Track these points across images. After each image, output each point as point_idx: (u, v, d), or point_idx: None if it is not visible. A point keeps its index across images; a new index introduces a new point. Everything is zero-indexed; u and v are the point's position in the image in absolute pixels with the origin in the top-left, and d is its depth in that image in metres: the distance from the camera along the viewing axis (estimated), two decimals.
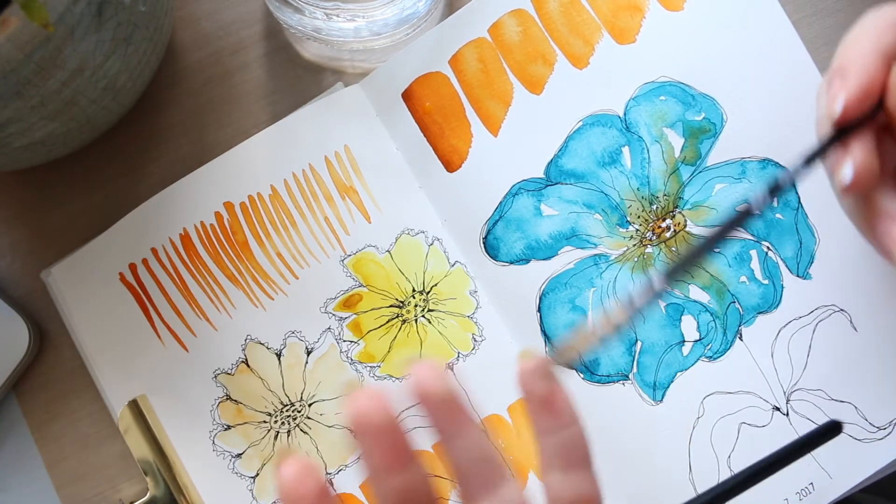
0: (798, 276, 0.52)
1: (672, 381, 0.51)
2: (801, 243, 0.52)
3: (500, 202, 0.52)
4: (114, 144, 0.54)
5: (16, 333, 0.52)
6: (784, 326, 0.52)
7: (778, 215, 0.52)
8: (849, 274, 0.52)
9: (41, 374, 0.54)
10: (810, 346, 0.51)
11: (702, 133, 0.51)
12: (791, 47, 0.51)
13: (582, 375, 0.51)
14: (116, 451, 0.53)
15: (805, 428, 0.51)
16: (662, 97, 0.52)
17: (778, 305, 0.52)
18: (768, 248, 0.52)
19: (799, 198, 0.52)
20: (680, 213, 0.52)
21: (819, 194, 0.52)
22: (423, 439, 0.51)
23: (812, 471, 0.51)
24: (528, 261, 0.52)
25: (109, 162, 0.54)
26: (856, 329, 0.52)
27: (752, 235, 0.52)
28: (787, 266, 0.52)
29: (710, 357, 0.51)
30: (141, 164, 0.54)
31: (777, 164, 0.51)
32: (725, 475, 0.51)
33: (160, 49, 0.49)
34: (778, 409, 0.51)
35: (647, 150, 0.51)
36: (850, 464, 0.51)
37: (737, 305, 0.52)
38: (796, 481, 0.51)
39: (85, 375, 0.53)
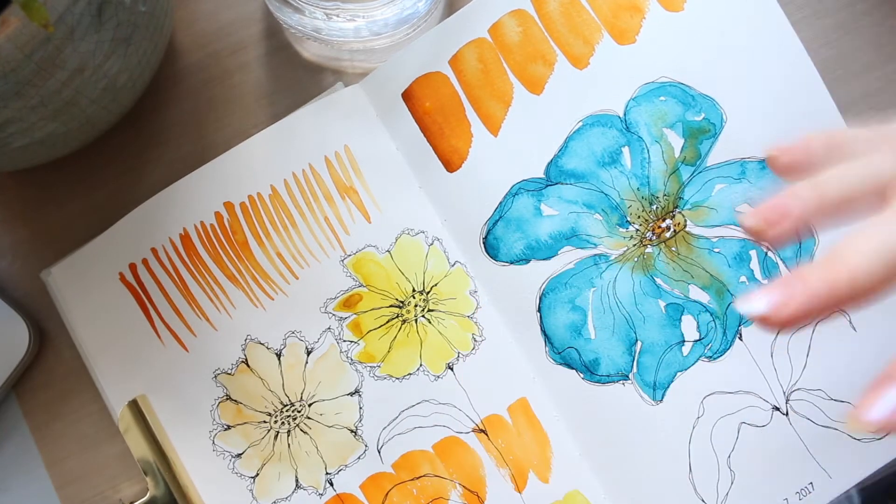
0: None
1: (672, 381, 0.51)
2: (800, 244, 0.52)
3: (501, 202, 0.52)
4: (114, 144, 0.54)
5: (16, 333, 0.52)
6: None
7: None
8: None
9: (41, 374, 0.54)
10: (809, 347, 0.52)
11: (701, 133, 0.52)
12: (790, 48, 0.51)
13: (582, 375, 0.51)
14: (116, 451, 0.53)
15: (804, 428, 0.51)
16: (662, 97, 0.52)
17: None
18: (768, 247, 0.52)
19: None
20: (680, 213, 0.52)
21: None
22: (423, 438, 0.51)
23: (812, 470, 0.51)
24: (528, 261, 0.52)
25: (109, 162, 0.54)
26: (855, 329, 0.52)
27: None
28: (786, 266, 0.52)
29: (710, 357, 0.51)
30: (141, 164, 0.54)
31: None
32: (725, 475, 0.51)
33: (160, 49, 0.49)
34: (778, 408, 0.51)
35: (647, 151, 0.51)
36: (849, 463, 0.51)
37: None
38: (796, 481, 0.51)
39: (85, 375, 0.53)
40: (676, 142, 0.51)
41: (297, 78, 0.55)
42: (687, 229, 0.52)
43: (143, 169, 0.54)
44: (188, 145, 0.54)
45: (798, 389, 0.51)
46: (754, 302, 0.34)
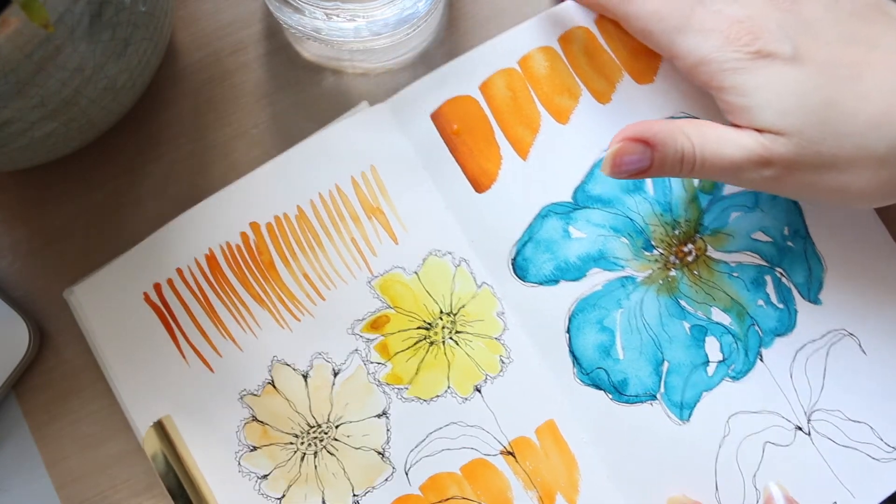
0: (809, 300, 0.53)
1: (698, 401, 0.52)
2: (810, 270, 0.53)
3: (530, 224, 0.52)
4: (114, 144, 0.54)
5: (16, 333, 0.51)
6: (800, 349, 0.53)
7: (789, 243, 0.53)
8: (856, 301, 0.53)
9: (41, 374, 0.53)
10: (825, 369, 0.53)
11: None
12: None
13: (610, 396, 0.52)
14: (116, 451, 0.52)
15: (827, 448, 0.52)
16: None
17: (793, 328, 0.53)
18: (781, 273, 0.53)
19: (806, 228, 0.53)
20: (700, 238, 0.53)
21: (824, 224, 0.54)
22: (451, 461, 0.51)
23: (835, 489, 0.52)
24: (557, 282, 0.52)
25: (109, 162, 0.54)
26: (865, 353, 0.53)
27: (766, 261, 0.53)
28: (798, 291, 0.53)
29: (734, 377, 0.52)
30: (141, 164, 0.54)
31: None
32: (751, 494, 0.51)
33: (160, 49, 0.49)
34: (800, 428, 0.52)
35: (669, 178, 0.53)
36: (871, 482, 0.52)
37: (756, 328, 0.53)
38: (820, 500, 0.52)
39: (85, 375, 0.53)
40: None
41: (297, 78, 0.55)
42: (708, 253, 0.53)
43: (143, 169, 0.54)
44: (188, 145, 0.54)
45: (818, 410, 0.52)
46: None
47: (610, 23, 0.54)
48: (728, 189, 0.53)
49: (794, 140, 0.45)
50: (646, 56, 0.54)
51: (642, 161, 0.46)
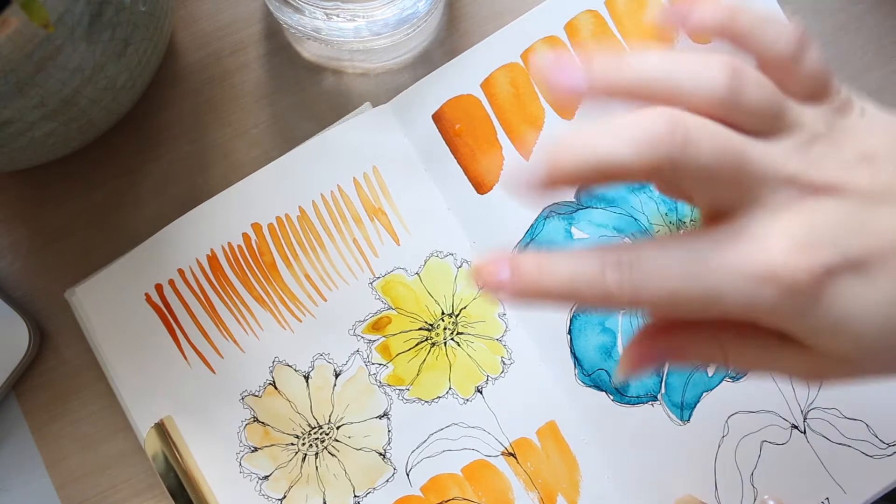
0: None
1: (698, 402, 0.52)
2: None
3: (532, 225, 0.52)
4: (114, 144, 0.53)
5: (16, 333, 0.51)
6: None
7: None
8: None
9: (41, 374, 0.53)
10: None
11: None
12: None
13: (612, 397, 0.52)
14: (116, 451, 0.53)
15: (821, 445, 0.52)
16: None
17: None
18: None
19: None
20: None
21: None
22: (452, 462, 0.52)
23: (827, 486, 0.52)
24: None
25: (109, 162, 0.54)
26: None
27: None
28: None
29: (733, 378, 0.53)
30: (141, 164, 0.54)
31: None
32: (749, 492, 0.52)
33: (160, 49, 0.49)
34: (796, 426, 0.53)
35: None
36: (863, 479, 0.52)
37: None
38: (813, 496, 0.52)
39: (85, 375, 0.53)
40: None
41: (297, 78, 0.55)
42: None
43: (142, 169, 0.54)
44: (188, 145, 0.54)
45: (814, 408, 0.53)
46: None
47: (622, 3, 0.53)
48: None
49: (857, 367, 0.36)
50: (657, 40, 0.53)
51: (660, 367, 0.39)
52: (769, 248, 0.32)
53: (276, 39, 0.55)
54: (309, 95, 0.54)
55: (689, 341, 0.37)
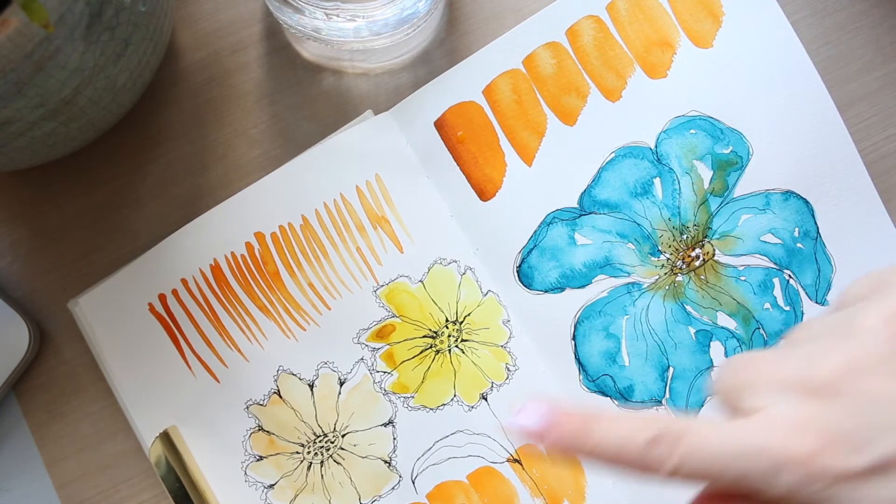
0: (817, 302, 0.53)
1: (702, 406, 0.52)
2: (819, 271, 0.53)
3: (535, 231, 0.52)
4: (114, 144, 0.54)
5: (16, 333, 0.51)
6: None
7: (799, 244, 0.53)
8: None
9: (41, 374, 0.53)
10: None
11: (729, 166, 0.53)
12: (811, 86, 0.53)
13: (616, 402, 0.52)
14: (116, 451, 0.53)
15: None
16: (692, 130, 0.52)
17: None
18: (790, 276, 0.53)
19: (818, 228, 0.53)
20: (709, 242, 0.53)
21: (836, 226, 0.53)
22: (458, 469, 0.51)
23: None
24: (562, 289, 0.52)
25: (109, 162, 0.54)
26: None
27: (776, 264, 0.53)
28: (806, 293, 0.53)
29: None
30: (141, 164, 0.54)
31: (798, 196, 0.53)
32: None
33: (160, 49, 0.49)
34: None
35: (678, 182, 0.52)
36: None
37: (761, 331, 0.53)
38: None
39: (85, 375, 0.53)
40: (706, 173, 0.52)
41: (297, 78, 0.55)
42: (715, 258, 0.53)
43: (143, 169, 0.54)
44: (188, 145, 0.54)
45: None
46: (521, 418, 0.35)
47: (623, 9, 0.53)
48: (739, 190, 0.53)
49: None
50: (660, 48, 0.53)
51: None
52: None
53: (276, 39, 0.55)
54: (309, 95, 0.54)
55: None
